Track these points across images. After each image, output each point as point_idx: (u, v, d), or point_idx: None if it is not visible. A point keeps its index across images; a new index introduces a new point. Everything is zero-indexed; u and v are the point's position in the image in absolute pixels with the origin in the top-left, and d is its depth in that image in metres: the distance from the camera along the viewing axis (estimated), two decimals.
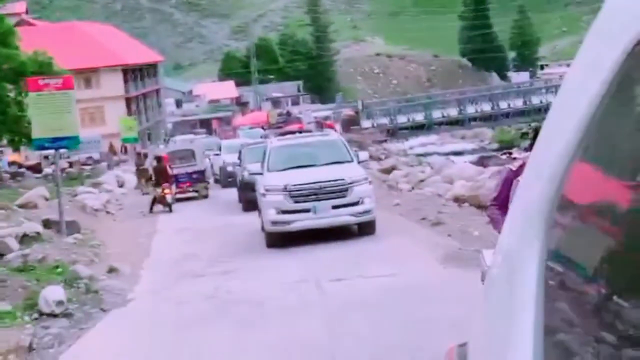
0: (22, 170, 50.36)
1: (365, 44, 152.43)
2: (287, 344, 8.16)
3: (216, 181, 32.58)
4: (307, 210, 15.46)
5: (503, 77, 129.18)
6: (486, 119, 56.57)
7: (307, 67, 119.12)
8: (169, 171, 23.78)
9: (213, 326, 9.30)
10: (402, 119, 55.80)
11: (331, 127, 54.74)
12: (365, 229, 15.88)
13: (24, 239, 15.38)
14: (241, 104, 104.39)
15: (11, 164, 53.94)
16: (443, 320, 7.81)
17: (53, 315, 10.50)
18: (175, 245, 16.59)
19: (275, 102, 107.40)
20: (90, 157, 55.59)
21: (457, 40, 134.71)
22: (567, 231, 1.34)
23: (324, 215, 15.45)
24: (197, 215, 22.09)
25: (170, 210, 23.40)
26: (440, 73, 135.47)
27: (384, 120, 56.16)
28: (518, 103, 56.90)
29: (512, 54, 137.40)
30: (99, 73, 61.32)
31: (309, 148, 17.42)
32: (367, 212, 15.57)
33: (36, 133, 17.33)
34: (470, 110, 56.03)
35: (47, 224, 17.16)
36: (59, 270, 12.85)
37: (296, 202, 15.50)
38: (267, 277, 12.19)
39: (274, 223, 15.53)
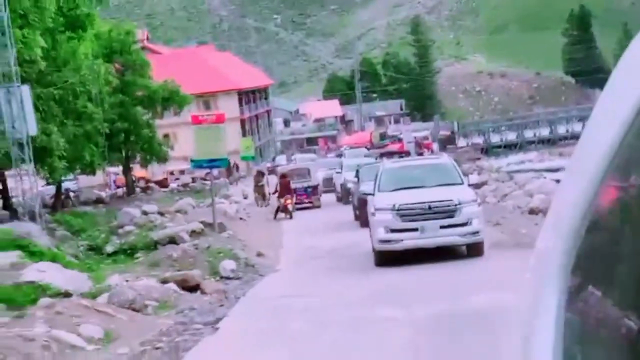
0: (151, 184, 57.48)
1: (467, 62, 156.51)
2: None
3: (338, 199, 35.53)
4: (415, 230, 16.04)
5: None
6: (577, 137, 60.39)
7: (409, 86, 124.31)
8: (290, 185, 30.04)
9: (331, 277, 15.20)
10: (495, 138, 60.64)
11: (429, 146, 60.17)
12: (473, 250, 16.35)
13: (192, 234, 21.55)
14: (345, 122, 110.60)
15: (139, 179, 60.59)
16: None
17: (229, 278, 16.47)
18: (299, 241, 22.43)
19: (379, 121, 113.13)
20: (209, 173, 62.43)
21: (560, 57, 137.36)
22: (586, 283, 1.34)
23: (432, 235, 15.97)
24: (312, 221, 28.00)
25: (291, 217, 29.45)
26: (543, 90, 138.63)
27: (479, 140, 61.13)
28: None
29: None
30: (217, 97, 68.69)
31: (419, 170, 18.16)
32: (475, 233, 16.00)
33: (196, 155, 23.52)
34: (561, 130, 60.41)
35: (204, 224, 23.33)
36: (222, 254, 18.84)
37: (404, 221, 16.11)
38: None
39: (383, 241, 16.18)
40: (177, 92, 47.78)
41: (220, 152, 23.42)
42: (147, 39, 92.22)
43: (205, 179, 60.99)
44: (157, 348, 10.16)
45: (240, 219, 29.31)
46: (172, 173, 59.91)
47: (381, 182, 17.56)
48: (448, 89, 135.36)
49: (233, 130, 67.12)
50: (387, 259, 16.23)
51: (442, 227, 15.93)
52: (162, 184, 57.80)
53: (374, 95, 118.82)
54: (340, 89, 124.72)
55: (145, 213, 26.59)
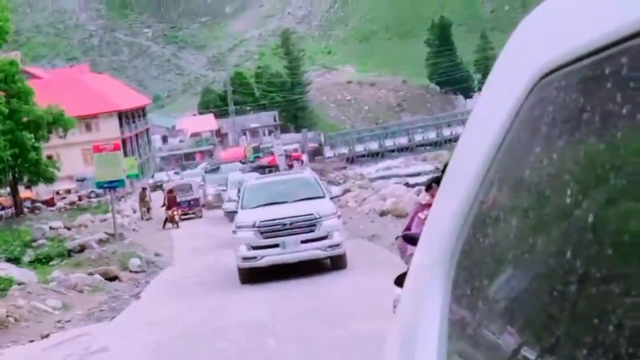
0: (38, 204, 61.54)
1: (337, 72, 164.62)
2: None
3: (225, 214, 37.77)
4: (276, 246, 16.37)
5: (469, 98, 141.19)
6: (432, 144, 68.77)
7: (282, 98, 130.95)
8: (176, 199, 35.69)
9: (212, 272, 20.94)
10: (359, 148, 67.72)
11: (298, 157, 66.54)
12: (336, 262, 16.87)
13: (99, 242, 26.96)
14: (221, 135, 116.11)
15: (25, 199, 64.17)
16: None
17: (137, 272, 22.07)
18: (186, 243, 28.11)
19: (253, 133, 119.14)
20: (92, 191, 66.97)
21: (425, 66, 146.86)
22: (471, 272, 1.40)
23: (293, 250, 16.33)
24: (196, 229, 33.68)
25: (178, 226, 35.04)
26: (410, 98, 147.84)
27: (344, 150, 68.06)
28: (459, 130, 69.34)
29: (478, 76, 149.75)
30: (98, 118, 73.35)
31: (281, 185, 18.66)
32: (335, 245, 16.43)
33: (98, 178, 28.81)
34: (418, 137, 68.05)
35: (107, 234, 28.71)
36: (128, 255, 24.36)
37: (265, 237, 16.43)
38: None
39: (245, 259, 16.56)
40: (62, 116, 52.38)
41: (118, 174, 28.82)
42: (21, 61, 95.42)
43: (89, 197, 65.72)
44: (101, 310, 15.84)
45: (134, 230, 34.67)
46: (58, 192, 64.11)
47: (244, 199, 18.13)
48: (320, 99, 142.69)
49: None
50: (251, 276, 16.65)
51: (302, 241, 16.35)
52: (49, 203, 61.91)
53: (248, 108, 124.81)
54: (215, 103, 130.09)
55: (52, 228, 31.67)
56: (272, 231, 16.53)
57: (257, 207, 17.37)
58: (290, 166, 61.67)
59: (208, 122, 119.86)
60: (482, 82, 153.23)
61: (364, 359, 8.70)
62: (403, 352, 1.58)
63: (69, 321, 14.77)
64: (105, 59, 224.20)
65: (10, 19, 44.03)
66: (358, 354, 9.21)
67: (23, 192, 62.69)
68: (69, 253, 25.57)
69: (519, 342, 1.19)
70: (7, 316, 14.35)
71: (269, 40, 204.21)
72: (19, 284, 17.75)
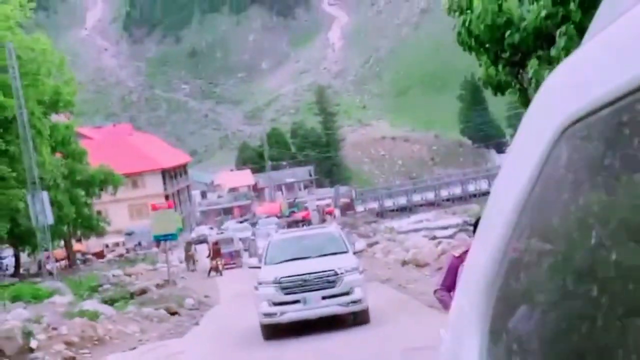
0: (89, 256, 67.41)
1: (371, 128, 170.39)
2: None
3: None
4: (297, 302, 16.63)
5: (501, 152, 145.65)
6: (457, 199, 73.92)
7: (317, 153, 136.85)
8: (220, 250, 41.20)
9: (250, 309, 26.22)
10: (388, 203, 73.01)
11: (330, 212, 71.91)
12: (359, 318, 17.07)
13: (157, 286, 32.37)
14: (257, 190, 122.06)
15: (76, 252, 69.90)
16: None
17: (191, 309, 27.38)
18: (230, 288, 33.39)
19: (289, 187, 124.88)
20: (138, 244, 72.89)
21: (457, 121, 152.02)
22: (506, 316, 1.43)
23: (314, 306, 16.58)
24: (237, 277, 39.03)
25: (221, 274, 40.43)
26: (443, 152, 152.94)
27: (374, 204, 73.39)
28: (483, 185, 74.50)
29: (509, 131, 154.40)
30: (144, 176, 79.72)
31: (306, 241, 18.86)
32: (357, 301, 16.64)
33: (155, 232, 34.30)
34: (444, 193, 73.23)
35: (163, 280, 34.12)
36: (183, 296, 29.70)
37: (286, 293, 16.70)
38: None
39: (266, 315, 16.86)
40: (111, 174, 58.25)
41: (172, 229, 34.37)
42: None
43: (135, 250, 71.55)
44: (171, 333, 21.18)
45: (182, 277, 40.07)
46: (107, 245, 70.01)
47: (267, 254, 18.41)
48: (354, 154, 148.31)
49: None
50: (274, 332, 16.96)
51: (323, 297, 16.61)
52: (99, 255, 67.74)
53: (284, 163, 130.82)
54: (251, 158, 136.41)
55: (114, 275, 37.23)
56: (293, 287, 16.78)
57: (280, 262, 17.67)
58: (324, 220, 66.93)
59: (245, 177, 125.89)
60: (513, 137, 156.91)
61: None
62: None
63: (147, 340, 20.11)
64: (144, 115, 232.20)
65: (75, 91, 49.74)
66: None
67: (75, 246, 68.44)
68: (132, 295, 30.98)
69: None
70: (104, 336, 19.75)
71: (305, 95, 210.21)
72: (103, 314, 23.19)
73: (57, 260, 66.36)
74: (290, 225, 49.83)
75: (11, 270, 52.75)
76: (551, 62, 11.99)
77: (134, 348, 18.87)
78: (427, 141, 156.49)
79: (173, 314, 25.22)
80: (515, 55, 13.54)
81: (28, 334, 18.98)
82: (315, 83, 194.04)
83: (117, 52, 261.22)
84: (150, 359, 16.86)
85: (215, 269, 40.64)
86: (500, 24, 12.47)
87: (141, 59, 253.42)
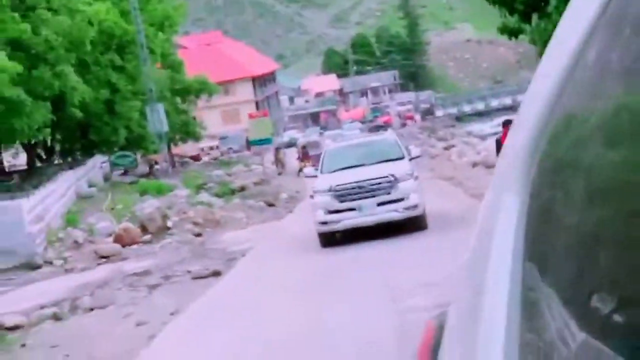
0: (186, 159, 74.31)
1: (456, 31, 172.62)
2: None
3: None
4: (352, 209, 17.07)
5: None
6: None
7: (402, 57, 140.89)
8: (308, 153, 47.23)
9: None
10: (466, 108, 77.72)
11: (411, 117, 77.12)
12: (416, 224, 17.23)
13: (254, 184, 38.64)
14: (342, 95, 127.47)
15: (174, 156, 76.70)
16: None
17: (286, 202, 33.51)
18: None
19: (374, 91, 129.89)
20: (230, 148, 79.53)
21: None
22: (550, 182, 1.41)
23: (370, 213, 17.01)
24: None
25: None
26: (528, 54, 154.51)
27: (453, 110, 78.15)
28: None
29: None
30: (235, 83, 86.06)
31: (361, 149, 19.38)
32: (413, 207, 16.86)
33: (252, 137, 40.46)
34: (520, 98, 77.10)
35: (258, 179, 40.38)
36: (277, 191, 35.84)
37: (341, 201, 17.11)
38: None
39: (322, 223, 17.40)
40: (206, 83, 64.29)
41: (266, 134, 40.44)
42: None
43: (229, 153, 78.31)
44: (270, 219, 27.34)
45: (275, 177, 46.35)
46: (202, 149, 76.79)
47: (324, 163, 18.97)
48: (439, 58, 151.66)
49: (249, 111, 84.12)
50: (331, 240, 17.57)
51: (379, 204, 17.03)
52: (196, 158, 74.60)
53: (369, 68, 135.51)
54: (337, 63, 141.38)
55: (217, 175, 43.66)
56: (348, 195, 17.17)
57: (336, 171, 18.08)
58: (404, 125, 72.25)
59: (331, 82, 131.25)
60: None
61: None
62: (478, 259, 1.63)
63: (253, 223, 26.31)
64: (230, 19, 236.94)
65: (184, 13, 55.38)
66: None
67: (174, 149, 74.76)
68: (233, 191, 37.29)
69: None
70: (220, 219, 26.07)
71: None
72: (215, 204, 29.51)
73: (157, 163, 73.69)
74: (372, 130, 55.01)
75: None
76: (549, 17, 17.33)
77: (245, 228, 25.09)
78: (512, 44, 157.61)
79: (270, 205, 31.35)
80: (527, 8, 18.97)
81: (164, 217, 25.43)
82: None
83: None
84: (258, 233, 23.01)
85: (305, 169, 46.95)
86: None
87: None
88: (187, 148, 76.70)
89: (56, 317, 15.32)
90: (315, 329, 10.39)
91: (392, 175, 17.22)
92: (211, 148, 76.82)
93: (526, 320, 1.37)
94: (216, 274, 17.35)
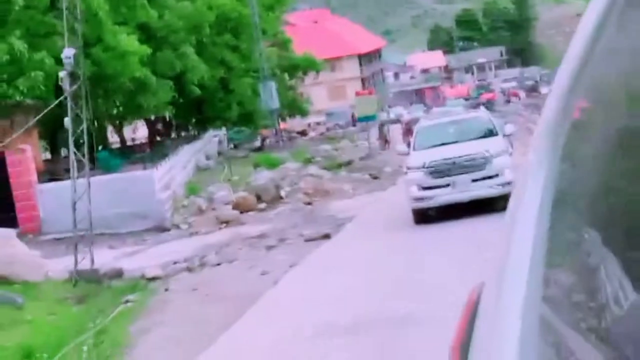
0: (293, 134, 77.13)
1: (566, 6, 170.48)
2: None
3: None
4: (446, 185, 17.24)
5: None
6: None
7: (509, 33, 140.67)
8: (411, 129, 49.28)
9: None
10: None
11: (515, 94, 78.03)
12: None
13: (360, 159, 40.96)
14: (448, 71, 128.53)
15: (282, 130, 79.63)
16: None
17: (388, 175, 35.79)
18: None
19: (480, 68, 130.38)
20: (336, 124, 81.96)
21: None
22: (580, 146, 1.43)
23: (464, 189, 17.11)
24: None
25: None
26: None
27: None
28: None
29: None
30: (341, 60, 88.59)
31: (454, 126, 19.48)
32: (507, 183, 16.45)
33: (359, 114, 42.72)
34: None
35: (363, 155, 42.70)
36: (381, 165, 38.07)
37: (435, 177, 17.29)
38: None
39: (417, 199, 17.57)
40: (313, 61, 66.73)
41: (372, 112, 42.67)
42: None
43: (335, 129, 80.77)
44: (375, 190, 29.67)
45: (379, 153, 48.60)
46: (309, 125, 79.55)
47: (416, 140, 19.29)
48: (547, 33, 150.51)
49: (355, 88, 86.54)
50: (425, 216, 17.88)
51: (473, 180, 17.13)
52: (302, 133, 77.33)
53: (475, 43, 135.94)
54: (443, 39, 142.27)
55: (324, 150, 46.22)
56: (442, 171, 17.36)
57: (429, 148, 18.27)
58: (508, 102, 73.34)
59: (437, 58, 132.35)
60: None
61: None
62: (512, 221, 1.65)
63: (359, 193, 28.68)
64: None
65: None
66: None
67: (282, 124, 77.51)
68: (340, 165, 39.71)
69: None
70: (328, 190, 28.57)
71: None
72: (324, 176, 31.99)
73: (265, 138, 76.78)
74: (476, 107, 56.37)
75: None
76: None
77: (351, 198, 27.50)
78: None
79: (375, 178, 33.66)
80: None
81: (277, 187, 28.07)
82: None
83: None
84: (364, 202, 25.38)
85: (408, 145, 49.06)
86: None
87: None
88: (295, 123, 79.42)
89: (189, 269, 18.04)
90: (410, 276, 12.69)
91: (487, 152, 17.37)
92: (317, 124, 79.41)
93: (576, 281, 1.39)
94: (326, 236, 19.77)
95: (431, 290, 11.28)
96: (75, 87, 17.53)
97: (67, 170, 19.79)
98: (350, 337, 9.87)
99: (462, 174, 17.28)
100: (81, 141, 17.92)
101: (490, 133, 18.66)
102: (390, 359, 8.96)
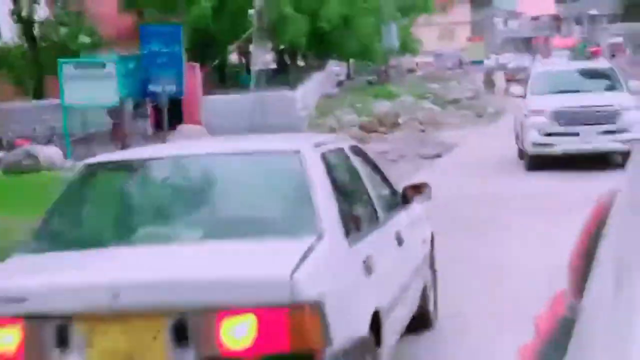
0: (403, 72, 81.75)
1: None
2: None
3: None
4: (573, 134, 16.69)
5: None
6: None
7: None
8: (514, 76, 53.57)
9: None
10: None
11: (621, 50, 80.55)
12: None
13: (467, 99, 45.75)
14: (559, 21, 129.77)
15: (392, 67, 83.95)
16: None
17: (490, 114, 40.59)
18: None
19: (591, 20, 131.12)
20: (445, 65, 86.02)
21: None
22: None
23: (590, 140, 16.56)
24: None
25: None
26: None
27: None
28: None
29: None
30: (454, 4, 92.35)
31: (576, 74, 18.90)
32: (635, 140, 15.56)
33: (471, 57, 47.43)
34: None
35: (470, 95, 47.41)
36: (486, 106, 42.80)
37: (562, 124, 16.77)
38: None
39: (537, 145, 17.03)
40: (427, 3, 70.79)
41: (480, 57, 47.37)
42: None
43: (442, 70, 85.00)
44: (482, 125, 34.67)
45: (484, 95, 53.23)
46: (417, 64, 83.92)
47: (533, 84, 18.57)
48: None
49: (464, 32, 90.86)
50: (541, 164, 17.21)
51: (601, 132, 16.52)
52: (411, 71, 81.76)
53: None
54: None
55: (433, 88, 51.08)
56: (569, 119, 16.81)
57: (551, 93, 17.85)
58: (613, 56, 76.01)
59: (548, 6, 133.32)
60: None
61: None
62: None
63: (465, 127, 33.70)
64: None
65: None
66: None
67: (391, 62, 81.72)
68: (448, 102, 44.51)
69: None
70: (439, 121, 33.73)
71: None
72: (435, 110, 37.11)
73: (380, 73, 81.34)
74: (579, 59, 60.08)
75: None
76: None
77: (458, 130, 32.61)
78: None
79: (479, 116, 38.58)
80: None
81: (396, 115, 33.38)
82: None
83: None
84: (469, 134, 30.46)
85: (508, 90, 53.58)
86: None
87: None
88: (404, 61, 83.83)
89: None
90: (509, 189, 17.85)
91: (618, 105, 16.98)
92: (425, 63, 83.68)
93: None
94: (438, 156, 25.01)
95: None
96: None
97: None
98: None
99: (590, 124, 16.81)
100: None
101: (615, 87, 18.28)
102: None
